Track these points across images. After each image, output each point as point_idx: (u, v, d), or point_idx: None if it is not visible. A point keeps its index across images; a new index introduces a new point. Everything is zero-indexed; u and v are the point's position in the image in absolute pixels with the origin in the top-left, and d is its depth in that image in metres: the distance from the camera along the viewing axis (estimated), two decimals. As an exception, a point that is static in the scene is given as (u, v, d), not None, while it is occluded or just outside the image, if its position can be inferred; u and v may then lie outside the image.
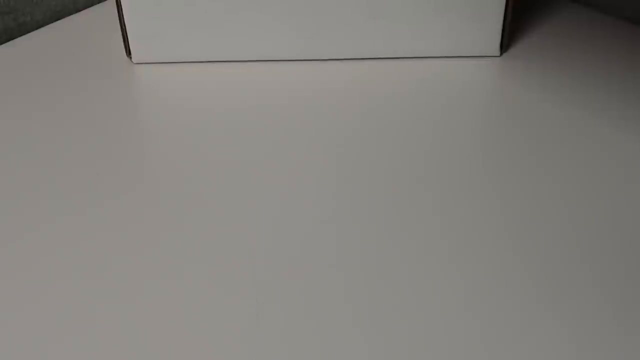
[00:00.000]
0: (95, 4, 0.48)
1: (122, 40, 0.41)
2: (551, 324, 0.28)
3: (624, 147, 0.36)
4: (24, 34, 0.45)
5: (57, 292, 0.29)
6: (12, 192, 0.34)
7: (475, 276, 0.30)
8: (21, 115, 0.38)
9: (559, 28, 0.45)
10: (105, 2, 0.48)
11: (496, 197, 0.33)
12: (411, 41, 0.41)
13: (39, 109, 0.39)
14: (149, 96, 0.40)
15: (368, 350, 0.27)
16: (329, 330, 0.28)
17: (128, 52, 0.42)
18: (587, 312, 0.28)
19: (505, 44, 0.42)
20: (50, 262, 0.31)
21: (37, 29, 0.46)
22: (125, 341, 0.27)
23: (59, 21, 0.46)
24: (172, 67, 0.42)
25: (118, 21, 0.41)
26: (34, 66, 0.42)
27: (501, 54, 0.42)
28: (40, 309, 0.29)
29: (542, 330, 0.28)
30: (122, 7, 0.40)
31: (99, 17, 0.46)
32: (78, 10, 0.48)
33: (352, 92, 0.40)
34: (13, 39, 0.45)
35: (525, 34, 0.44)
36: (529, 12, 0.46)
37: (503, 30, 0.41)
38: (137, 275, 0.30)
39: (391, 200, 0.33)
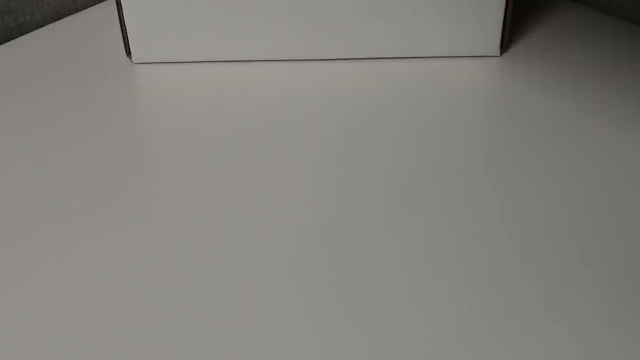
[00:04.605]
0: (96, 4, 0.48)
1: (122, 40, 0.41)
2: (551, 324, 0.28)
3: (624, 147, 0.36)
4: (24, 34, 0.45)
5: (56, 292, 0.29)
6: (11, 192, 0.34)
7: (476, 276, 0.30)
8: (21, 115, 0.38)
9: (559, 28, 0.45)
10: (105, 2, 0.48)
11: (496, 196, 0.33)
12: (411, 41, 0.41)
13: (39, 109, 0.39)
14: (149, 96, 0.40)
15: (368, 352, 0.27)
16: (329, 332, 0.28)
17: (128, 52, 0.42)
18: (587, 312, 0.28)
19: (505, 44, 0.42)
20: (49, 262, 0.31)
21: (37, 29, 0.46)
22: (125, 341, 0.27)
23: (59, 21, 0.46)
24: (172, 67, 0.41)
25: (118, 21, 0.41)
26: (34, 66, 0.42)
27: (501, 54, 0.42)
28: (40, 309, 0.29)
29: (542, 330, 0.28)
30: (122, 7, 0.40)
31: (99, 17, 0.46)
32: (78, 10, 0.48)
33: (352, 92, 0.40)
34: (13, 39, 0.45)
35: (525, 34, 0.44)
36: (529, 12, 0.46)
37: (503, 30, 0.41)
38: (136, 275, 0.30)
39: (391, 200, 0.33)
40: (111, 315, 0.28)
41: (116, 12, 0.40)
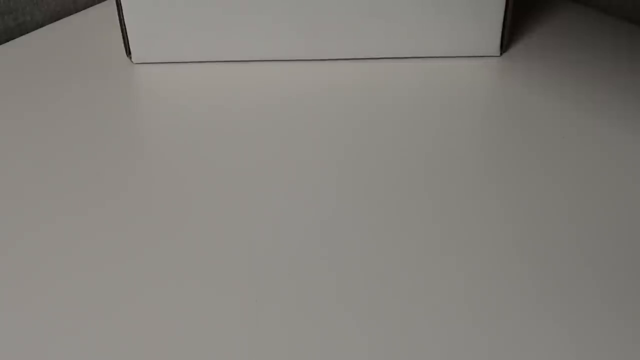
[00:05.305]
0: (95, 4, 0.48)
1: (122, 40, 0.41)
2: (552, 324, 0.28)
3: (624, 147, 0.36)
4: (24, 34, 0.45)
5: (56, 292, 0.29)
6: (11, 192, 0.34)
7: (476, 276, 0.30)
8: (21, 115, 0.38)
9: (559, 28, 0.45)
10: (105, 2, 0.48)
11: (496, 196, 0.33)
12: (411, 41, 0.41)
13: (39, 109, 0.39)
14: (149, 96, 0.40)
15: (368, 352, 0.27)
16: (329, 332, 0.28)
17: (128, 52, 0.42)
18: (587, 312, 0.28)
19: (505, 44, 0.42)
20: (49, 262, 0.31)
21: (37, 29, 0.46)
22: (124, 341, 0.27)
23: (59, 21, 0.46)
24: (172, 67, 0.42)
25: (118, 21, 0.41)
26: (34, 66, 0.42)
27: (501, 54, 0.42)
28: (40, 309, 0.29)
29: (543, 330, 0.28)
30: (122, 7, 0.40)
31: (99, 17, 0.46)
32: (78, 10, 0.48)
33: (352, 92, 0.40)
34: (13, 39, 0.45)
35: (525, 34, 0.44)
36: (529, 12, 0.46)
37: (503, 30, 0.41)
38: (136, 275, 0.30)
39: (391, 200, 0.33)
40: (111, 315, 0.28)
41: (116, 12, 0.40)
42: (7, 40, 0.45)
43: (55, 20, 0.47)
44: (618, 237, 0.31)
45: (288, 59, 0.42)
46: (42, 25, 0.47)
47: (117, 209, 0.33)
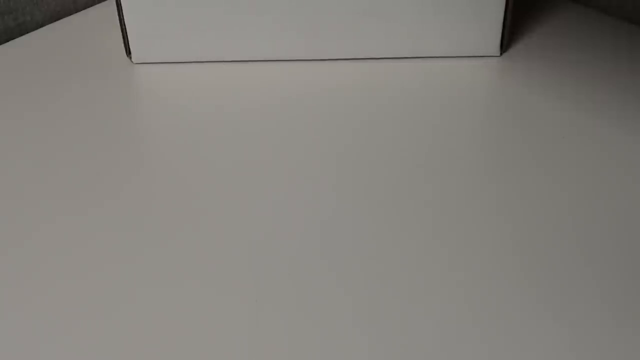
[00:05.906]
0: (95, 4, 0.48)
1: (122, 40, 0.41)
2: (552, 324, 0.28)
3: (624, 147, 0.36)
4: (24, 34, 0.45)
5: (56, 292, 0.29)
6: (11, 192, 0.34)
7: (476, 276, 0.30)
8: (21, 115, 0.38)
9: (559, 28, 0.45)
10: (105, 2, 0.48)
11: (496, 197, 0.33)
12: (411, 41, 0.41)
13: (39, 109, 0.39)
14: (149, 96, 0.40)
15: (368, 352, 0.27)
16: (329, 332, 0.28)
17: (128, 52, 0.42)
18: (587, 312, 0.28)
19: (505, 44, 0.42)
20: (49, 262, 0.31)
21: (37, 29, 0.46)
22: (124, 341, 0.27)
23: (59, 21, 0.46)
24: (172, 67, 0.42)
25: (118, 21, 0.41)
26: (34, 66, 0.42)
27: (501, 54, 0.42)
28: (40, 309, 0.29)
29: (542, 330, 0.28)
30: (122, 7, 0.40)
31: (99, 17, 0.46)
32: (78, 10, 0.48)
33: (352, 92, 0.40)
34: (13, 39, 0.45)
35: (525, 34, 0.44)
36: (529, 12, 0.46)
37: (503, 30, 0.41)
38: (136, 275, 0.30)
39: (391, 200, 0.33)
40: (111, 315, 0.28)
41: (116, 12, 0.40)
42: (7, 40, 0.45)
43: (55, 20, 0.47)
44: (618, 237, 0.31)
45: (288, 59, 0.42)
46: (42, 25, 0.47)
47: (117, 209, 0.33)
